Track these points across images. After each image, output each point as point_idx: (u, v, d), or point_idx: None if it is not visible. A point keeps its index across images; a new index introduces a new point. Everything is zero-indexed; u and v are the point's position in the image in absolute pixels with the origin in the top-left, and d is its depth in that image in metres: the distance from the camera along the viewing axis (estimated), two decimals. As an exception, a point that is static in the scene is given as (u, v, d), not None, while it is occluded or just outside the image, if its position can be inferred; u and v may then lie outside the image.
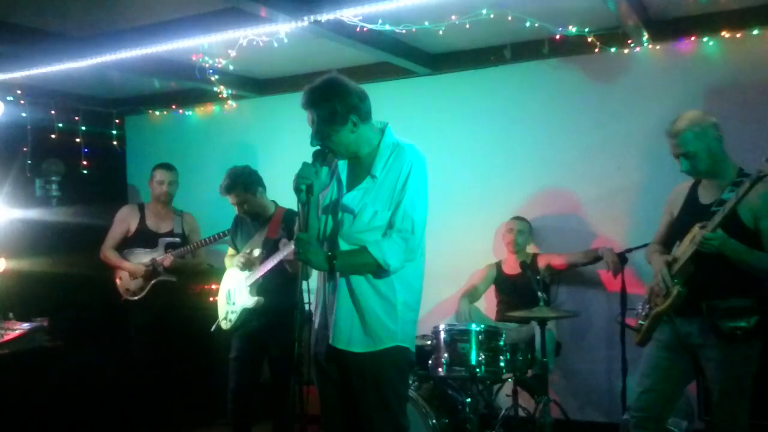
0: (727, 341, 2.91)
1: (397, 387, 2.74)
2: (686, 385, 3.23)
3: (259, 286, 4.10)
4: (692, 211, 3.06)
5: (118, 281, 4.90)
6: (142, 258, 4.87)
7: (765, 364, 3.03)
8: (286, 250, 3.93)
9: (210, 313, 4.46)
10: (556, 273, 4.66)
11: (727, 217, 2.80)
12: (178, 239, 4.96)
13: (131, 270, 4.84)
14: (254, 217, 4.21)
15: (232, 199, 4.11)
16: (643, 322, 3.18)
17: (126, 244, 4.96)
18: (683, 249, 3.00)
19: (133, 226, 4.98)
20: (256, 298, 4.09)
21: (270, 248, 4.07)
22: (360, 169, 2.72)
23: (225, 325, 4.23)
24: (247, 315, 4.14)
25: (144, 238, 4.94)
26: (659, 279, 3.06)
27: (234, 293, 4.21)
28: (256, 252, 4.13)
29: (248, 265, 4.12)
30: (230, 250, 4.40)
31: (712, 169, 3.01)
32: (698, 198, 3.10)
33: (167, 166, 5.04)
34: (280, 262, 3.96)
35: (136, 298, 4.84)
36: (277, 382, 4.12)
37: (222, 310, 4.28)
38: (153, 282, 4.84)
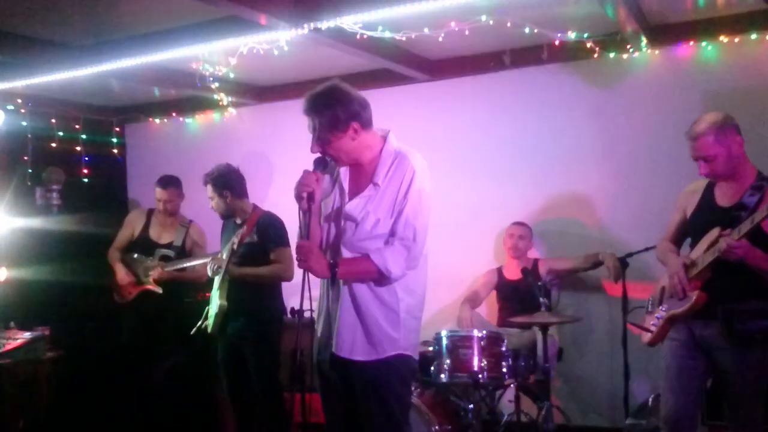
0: (743, 344, 2.87)
1: (401, 395, 2.74)
2: (705, 384, 3.17)
3: (227, 290, 4.13)
4: (710, 213, 3.01)
5: (112, 283, 4.92)
6: (139, 264, 4.89)
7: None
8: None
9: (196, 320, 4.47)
10: (558, 278, 4.66)
11: (755, 227, 2.76)
12: (172, 253, 4.92)
13: (120, 276, 4.87)
14: (226, 218, 4.31)
15: (207, 192, 4.24)
16: (655, 323, 3.12)
17: (130, 248, 5.00)
18: (700, 253, 2.96)
19: (137, 231, 5.00)
20: (219, 303, 4.14)
21: (235, 252, 4.12)
22: (362, 176, 2.72)
23: (209, 328, 4.25)
24: (221, 319, 4.17)
25: (143, 245, 4.96)
26: (676, 281, 3.00)
27: (213, 298, 4.27)
28: (224, 255, 4.19)
29: (217, 270, 4.18)
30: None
31: (731, 172, 2.96)
32: (715, 199, 3.04)
33: (164, 183, 4.93)
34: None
35: (125, 301, 4.88)
36: (257, 389, 4.14)
37: (209, 313, 4.32)
38: (140, 290, 4.85)
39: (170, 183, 4.96)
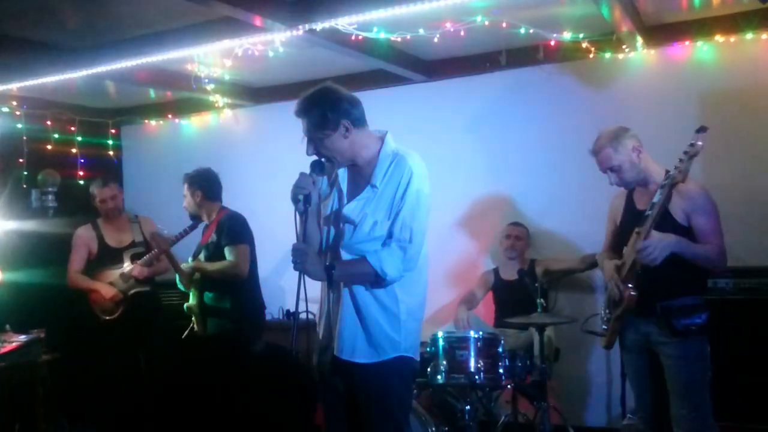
0: (683, 337, 3.05)
1: (402, 397, 2.74)
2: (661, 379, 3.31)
3: (198, 291, 4.19)
4: (631, 217, 3.23)
5: (93, 303, 4.73)
6: (110, 277, 4.72)
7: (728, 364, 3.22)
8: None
9: (190, 321, 4.46)
10: (554, 279, 4.66)
11: (657, 220, 2.96)
12: (141, 248, 4.81)
13: (105, 291, 4.67)
14: (194, 218, 4.35)
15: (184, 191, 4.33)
16: (606, 327, 3.31)
17: (91, 267, 4.79)
18: (627, 254, 3.13)
19: (94, 247, 4.80)
20: (186, 305, 4.25)
21: (197, 254, 4.20)
22: (360, 178, 2.72)
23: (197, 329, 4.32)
24: (198, 321, 4.22)
25: (107, 256, 4.77)
26: (612, 285, 3.19)
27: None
28: (189, 261, 4.25)
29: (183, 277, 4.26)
30: None
31: (639, 177, 3.19)
32: (635, 204, 3.27)
33: (104, 181, 4.83)
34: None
35: (114, 316, 4.69)
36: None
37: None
38: (128, 295, 4.70)
39: (109, 179, 4.91)
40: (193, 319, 4.30)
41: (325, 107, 2.59)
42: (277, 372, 4.23)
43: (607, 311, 3.30)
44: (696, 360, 3.08)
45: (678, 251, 2.98)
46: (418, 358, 2.80)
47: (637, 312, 3.12)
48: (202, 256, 4.26)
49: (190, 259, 4.28)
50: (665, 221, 3.01)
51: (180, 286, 4.32)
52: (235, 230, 4.19)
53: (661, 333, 3.11)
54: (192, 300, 4.24)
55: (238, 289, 4.20)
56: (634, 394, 3.40)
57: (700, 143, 2.90)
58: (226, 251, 4.13)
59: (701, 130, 2.92)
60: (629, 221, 3.22)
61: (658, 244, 2.93)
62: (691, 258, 3.02)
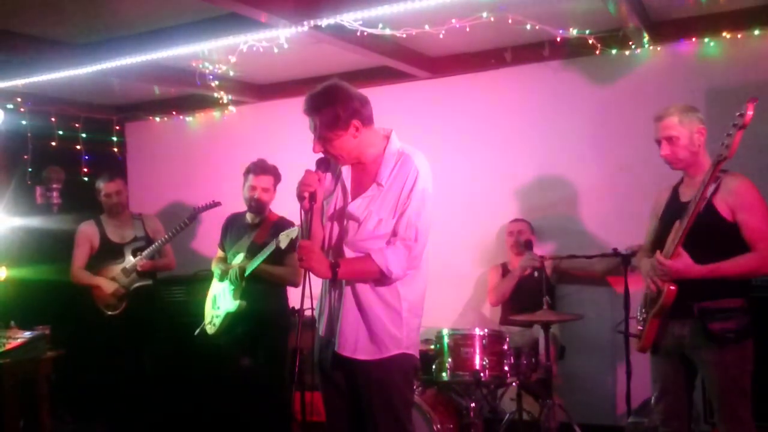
0: (719, 342, 2.89)
1: (404, 394, 2.74)
2: (693, 384, 3.19)
3: (242, 290, 4.11)
4: (673, 209, 3.08)
5: (97, 300, 4.77)
6: (112, 272, 4.76)
7: (765, 366, 3.05)
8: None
9: (195, 318, 4.45)
10: (562, 276, 4.65)
11: (700, 212, 2.82)
12: (143, 243, 4.86)
13: (106, 287, 4.72)
14: (256, 212, 4.22)
15: (258, 181, 4.14)
16: (642, 328, 3.14)
17: (93, 262, 4.84)
18: (667, 248, 2.99)
19: (96, 242, 4.86)
20: (238, 302, 4.11)
21: (255, 253, 4.10)
22: (365, 176, 2.72)
23: (210, 329, 4.26)
24: (231, 320, 4.15)
25: (109, 251, 4.83)
26: (649, 281, 3.04)
27: (219, 297, 4.25)
28: (240, 258, 4.16)
29: (227, 274, 4.17)
30: (219, 253, 4.43)
31: (691, 159, 3.05)
32: (679, 197, 3.14)
33: (109, 176, 4.89)
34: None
35: (118, 311, 4.73)
36: (265, 388, 4.14)
37: (208, 314, 4.31)
38: (131, 290, 4.74)
39: (116, 175, 4.93)
40: (210, 319, 4.25)
41: (337, 107, 2.57)
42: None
43: (644, 311, 3.14)
44: (733, 366, 2.90)
45: (709, 276, 2.85)
46: (418, 355, 2.80)
47: (671, 314, 2.97)
48: (244, 255, 4.18)
49: (242, 255, 4.16)
50: (709, 215, 2.86)
51: (231, 282, 4.14)
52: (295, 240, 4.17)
53: (695, 336, 2.94)
54: (237, 297, 4.12)
55: (284, 295, 4.24)
56: (654, 395, 3.20)
57: (750, 113, 2.63)
58: (287, 259, 4.09)
59: (752, 100, 2.66)
60: (671, 213, 3.07)
61: (678, 270, 2.85)
62: (727, 278, 2.86)
